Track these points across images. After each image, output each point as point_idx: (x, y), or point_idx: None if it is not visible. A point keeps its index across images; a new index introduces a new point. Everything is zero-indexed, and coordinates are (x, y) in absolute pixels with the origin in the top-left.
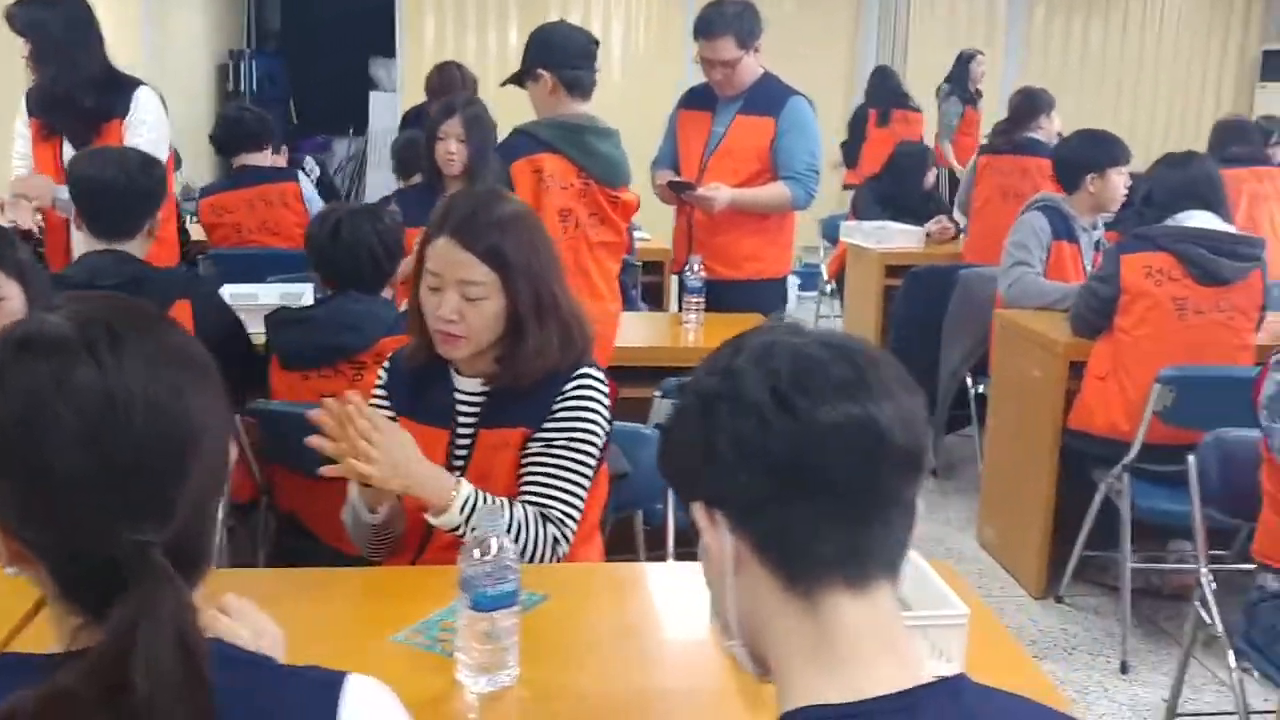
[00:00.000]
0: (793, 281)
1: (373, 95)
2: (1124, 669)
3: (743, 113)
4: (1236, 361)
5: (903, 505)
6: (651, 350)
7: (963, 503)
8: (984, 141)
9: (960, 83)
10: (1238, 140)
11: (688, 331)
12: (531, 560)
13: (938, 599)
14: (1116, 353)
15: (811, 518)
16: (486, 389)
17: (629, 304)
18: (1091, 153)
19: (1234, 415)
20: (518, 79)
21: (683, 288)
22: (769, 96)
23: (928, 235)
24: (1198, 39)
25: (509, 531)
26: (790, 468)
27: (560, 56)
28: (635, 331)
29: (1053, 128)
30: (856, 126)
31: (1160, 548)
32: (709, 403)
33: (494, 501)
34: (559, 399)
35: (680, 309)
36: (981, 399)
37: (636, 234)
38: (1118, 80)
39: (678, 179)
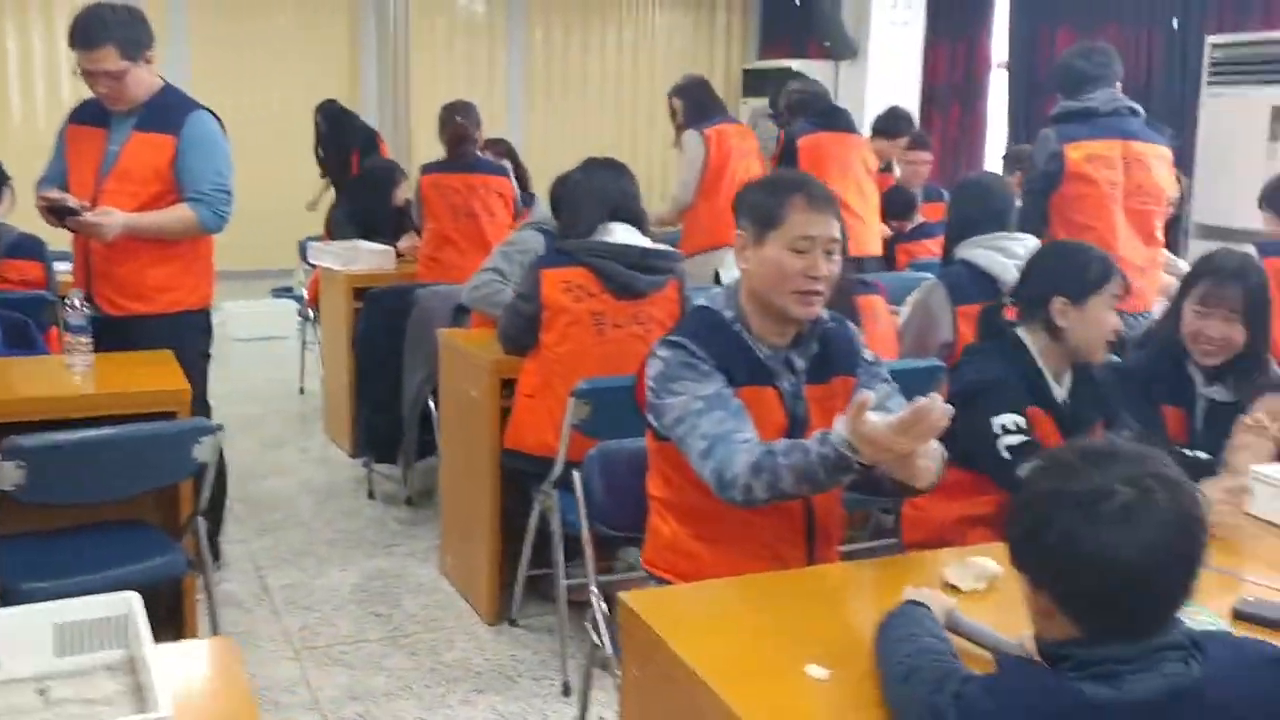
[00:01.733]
0: (292, 306)
1: None
2: (566, 691)
3: (139, 129)
4: None
5: None
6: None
7: (432, 531)
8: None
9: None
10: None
11: (74, 376)
12: None
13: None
14: (543, 369)
15: None
16: None
17: (31, 346)
18: None
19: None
20: None
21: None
22: (168, 112)
23: (399, 254)
24: (686, 59)
25: None
26: None
27: None
28: None
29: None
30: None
31: (612, 558)
32: None
33: None
34: None
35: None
36: None
37: (58, 265)
38: (616, 96)
39: (65, 202)
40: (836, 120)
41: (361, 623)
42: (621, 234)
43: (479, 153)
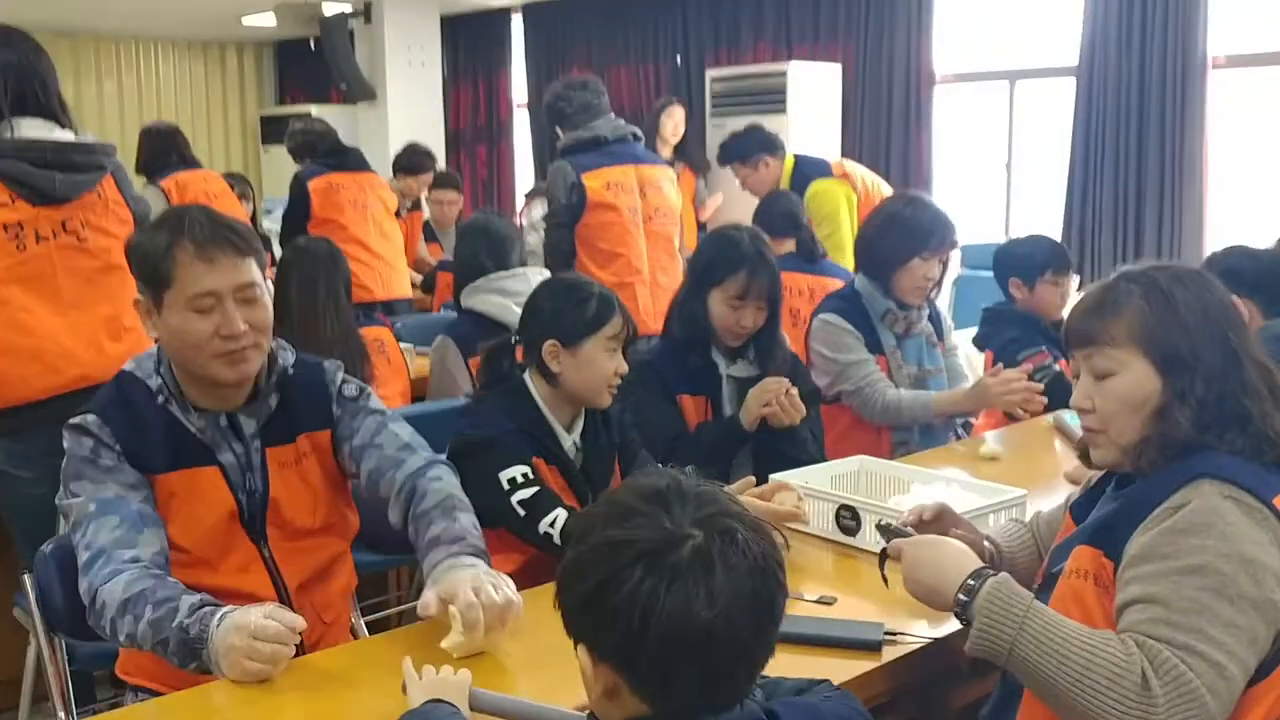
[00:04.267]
0: None
1: None
2: None
3: None
4: None
5: None
6: None
7: None
8: None
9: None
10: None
11: None
12: None
13: None
14: None
15: None
16: None
17: None
18: None
19: None
20: None
21: None
22: None
23: None
24: (199, 107)
25: None
26: None
27: None
28: None
29: None
30: None
31: None
32: None
33: None
34: None
35: None
36: None
37: None
38: (123, 150)
39: None
40: (347, 160)
41: None
42: (31, 129)
43: None
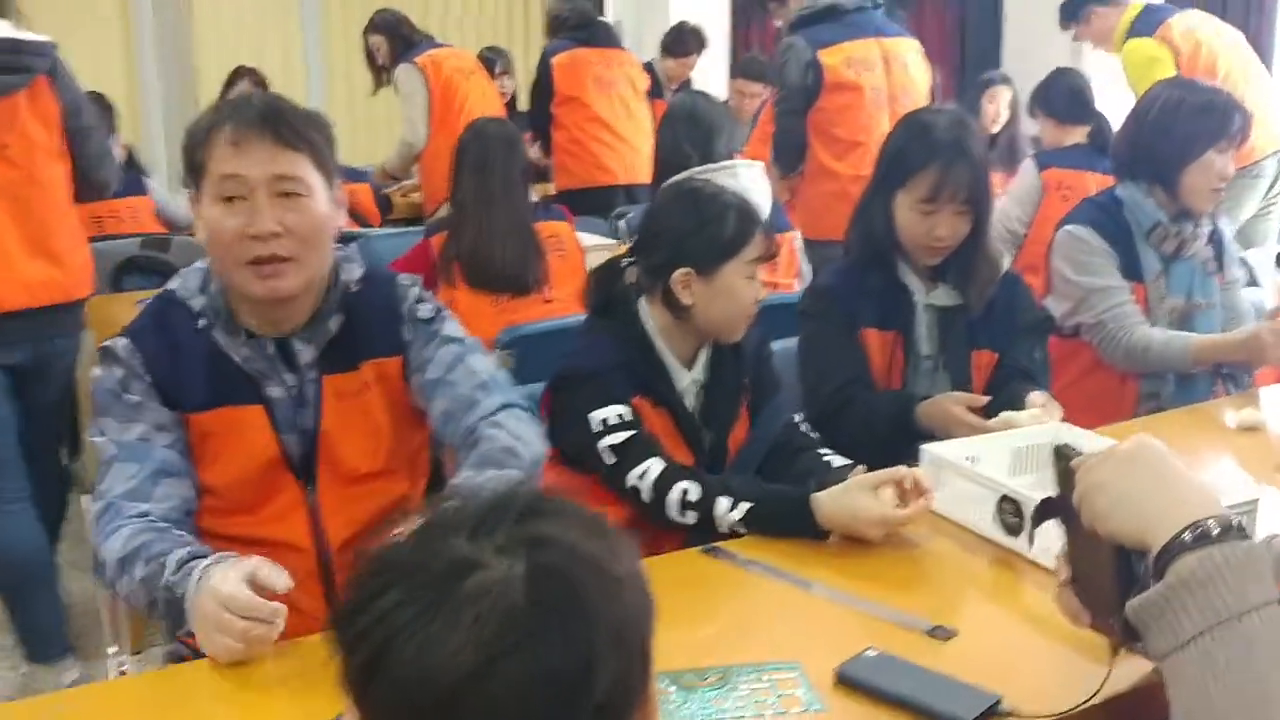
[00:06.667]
0: None
1: None
2: None
3: None
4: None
5: None
6: None
7: None
8: None
9: None
10: None
11: None
12: None
13: None
14: None
15: None
16: None
17: None
18: None
19: None
20: None
21: None
22: None
23: None
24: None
25: None
26: None
27: None
28: None
29: None
30: None
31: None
32: None
33: None
34: None
35: None
36: None
37: None
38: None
39: None
40: (595, 35)
41: None
42: None
43: None
